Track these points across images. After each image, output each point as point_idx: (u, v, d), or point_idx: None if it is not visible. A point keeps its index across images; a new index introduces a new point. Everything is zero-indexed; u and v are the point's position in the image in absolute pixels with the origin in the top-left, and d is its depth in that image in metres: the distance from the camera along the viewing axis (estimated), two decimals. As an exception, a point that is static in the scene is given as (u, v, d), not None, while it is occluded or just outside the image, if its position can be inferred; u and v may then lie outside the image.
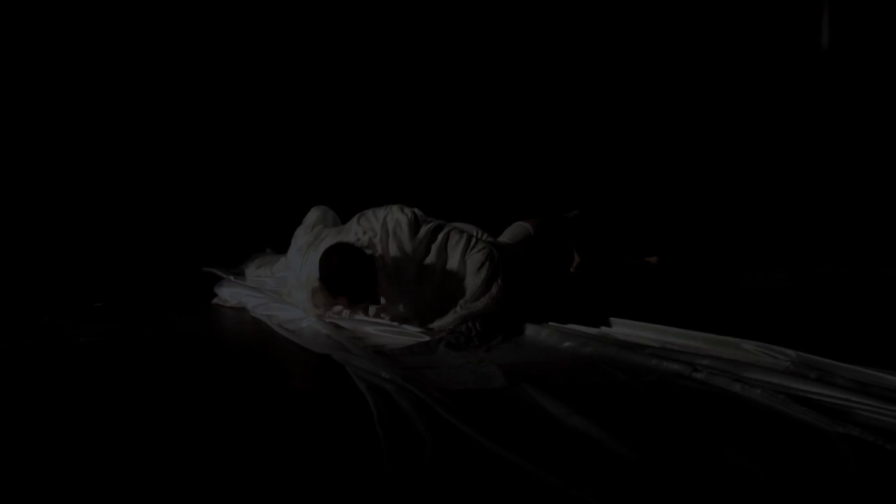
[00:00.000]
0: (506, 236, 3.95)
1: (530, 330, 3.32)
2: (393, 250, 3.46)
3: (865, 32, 7.25)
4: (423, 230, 3.49)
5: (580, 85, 6.70)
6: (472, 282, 3.37)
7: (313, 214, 4.08)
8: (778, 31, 7.19)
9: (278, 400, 2.63)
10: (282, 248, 4.56)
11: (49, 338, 3.40)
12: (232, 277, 4.34)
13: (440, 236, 3.48)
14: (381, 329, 3.37)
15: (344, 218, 4.23)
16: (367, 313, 3.48)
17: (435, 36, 6.26)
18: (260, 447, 2.22)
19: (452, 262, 3.44)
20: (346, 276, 3.39)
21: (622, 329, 3.31)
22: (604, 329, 3.33)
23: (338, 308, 3.47)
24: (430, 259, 3.45)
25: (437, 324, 3.37)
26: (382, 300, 3.47)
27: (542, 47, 6.55)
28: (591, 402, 2.43)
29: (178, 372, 2.97)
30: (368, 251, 3.43)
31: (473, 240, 3.48)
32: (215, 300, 4.08)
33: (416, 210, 3.57)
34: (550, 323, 3.39)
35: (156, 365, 3.06)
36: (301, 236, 3.96)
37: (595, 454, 2.09)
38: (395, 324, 3.41)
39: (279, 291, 3.95)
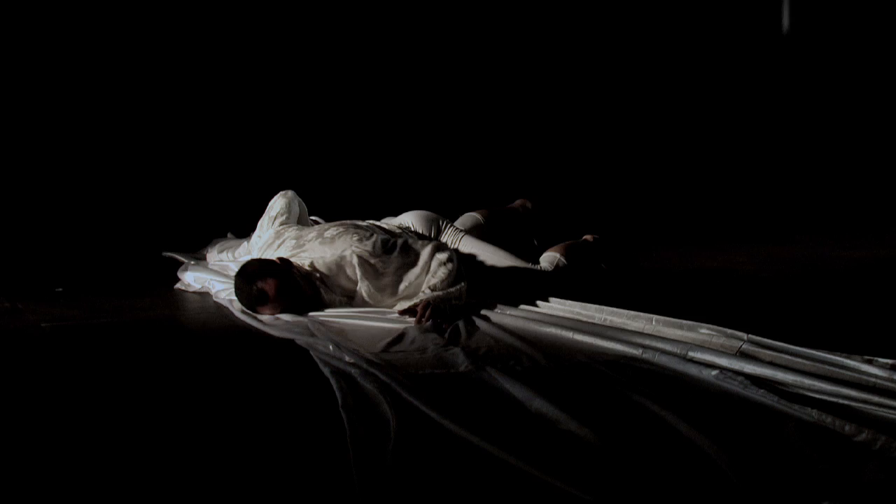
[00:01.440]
0: (458, 225, 4.02)
1: (493, 315, 3.35)
2: (346, 283, 3.47)
3: (825, 16, 7.36)
4: (391, 257, 3.44)
5: (520, 76, 6.71)
6: (441, 273, 3.39)
7: (278, 203, 4.04)
8: (737, 14, 7.26)
9: (241, 385, 2.64)
10: (242, 232, 4.55)
11: (10, 323, 3.38)
12: (192, 262, 4.32)
13: (410, 250, 3.49)
14: (346, 314, 3.38)
15: (309, 205, 4.25)
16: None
17: (388, 26, 6.25)
18: (223, 432, 2.23)
19: (422, 262, 3.45)
20: (244, 295, 3.41)
21: (580, 311, 3.34)
22: (563, 311, 3.37)
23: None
24: (404, 282, 3.45)
25: (403, 306, 3.38)
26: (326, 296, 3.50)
27: (475, 39, 6.55)
28: (553, 385, 2.47)
29: (141, 358, 2.97)
30: (313, 272, 3.47)
31: (439, 244, 3.54)
32: (178, 285, 4.07)
33: (375, 243, 3.47)
34: (511, 307, 3.42)
35: (120, 351, 3.05)
36: (266, 228, 3.95)
37: (558, 437, 2.14)
38: (360, 309, 3.42)
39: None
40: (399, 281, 3.45)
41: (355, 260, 3.42)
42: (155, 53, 5.64)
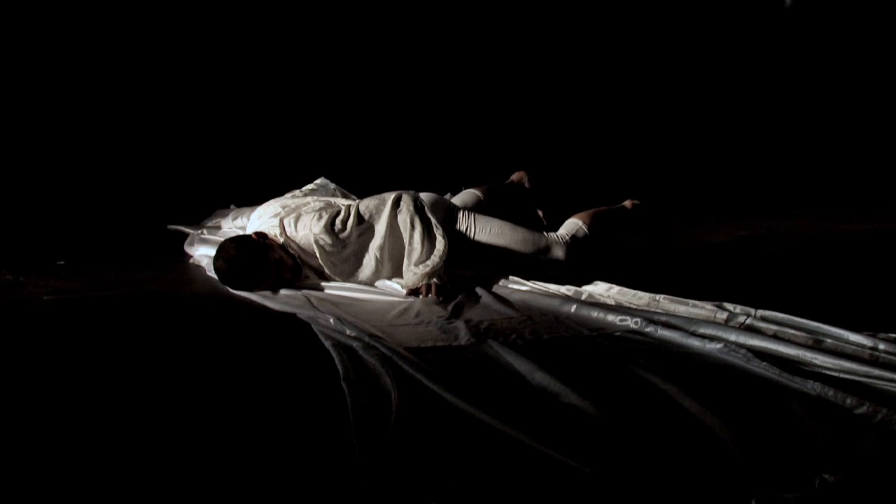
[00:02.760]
0: (457, 202, 3.98)
1: (496, 288, 3.35)
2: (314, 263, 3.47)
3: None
4: (347, 230, 3.42)
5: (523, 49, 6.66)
6: (416, 241, 3.36)
7: (317, 180, 4.08)
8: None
9: (243, 358, 2.65)
10: (244, 204, 4.54)
11: (12, 296, 3.38)
12: (202, 233, 4.28)
13: (363, 214, 3.45)
14: (347, 288, 3.38)
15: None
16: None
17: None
18: (225, 406, 2.24)
19: (383, 225, 3.42)
20: (233, 281, 3.41)
21: (584, 287, 3.34)
22: (566, 287, 3.36)
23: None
24: (370, 251, 3.43)
25: (399, 283, 3.37)
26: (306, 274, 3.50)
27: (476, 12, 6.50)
28: (555, 358, 2.48)
29: (143, 332, 2.97)
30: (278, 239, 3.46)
31: (394, 200, 3.46)
32: (191, 260, 4.03)
33: (331, 218, 3.44)
34: (515, 281, 3.42)
35: (122, 324, 3.05)
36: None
37: (559, 410, 2.14)
38: (361, 285, 3.42)
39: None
40: (363, 250, 3.43)
41: (311, 238, 3.41)
42: (159, 28, 5.61)
